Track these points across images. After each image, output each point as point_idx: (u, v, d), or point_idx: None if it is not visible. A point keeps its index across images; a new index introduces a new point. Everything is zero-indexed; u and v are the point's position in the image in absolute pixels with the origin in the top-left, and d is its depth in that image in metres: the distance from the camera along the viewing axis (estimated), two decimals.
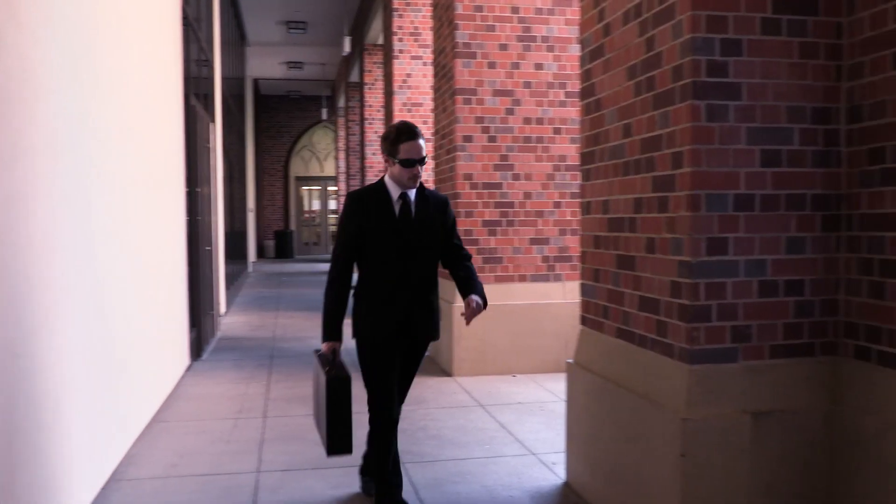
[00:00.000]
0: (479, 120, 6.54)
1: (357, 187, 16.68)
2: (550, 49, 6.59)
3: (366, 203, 3.34)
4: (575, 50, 6.46)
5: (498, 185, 6.56)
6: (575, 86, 6.46)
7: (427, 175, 10.11)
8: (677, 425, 2.86)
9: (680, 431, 2.84)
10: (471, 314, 3.38)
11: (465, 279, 3.49)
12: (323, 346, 3.33)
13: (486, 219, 6.55)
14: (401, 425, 5.05)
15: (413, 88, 10.25)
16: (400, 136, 3.27)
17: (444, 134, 7.03)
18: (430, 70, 9.62)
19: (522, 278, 6.60)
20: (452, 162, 6.65)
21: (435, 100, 7.44)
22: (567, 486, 3.93)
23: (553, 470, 4.18)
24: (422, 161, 3.27)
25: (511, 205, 6.58)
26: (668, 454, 2.92)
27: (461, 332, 6.45)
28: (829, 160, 2.98)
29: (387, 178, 3.38)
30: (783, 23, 2.92)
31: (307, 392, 6.00)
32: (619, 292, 3.50)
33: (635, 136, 3.32)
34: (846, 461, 2.88)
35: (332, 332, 3.34)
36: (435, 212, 3.42)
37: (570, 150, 6.57)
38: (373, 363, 3.38)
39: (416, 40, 10.20)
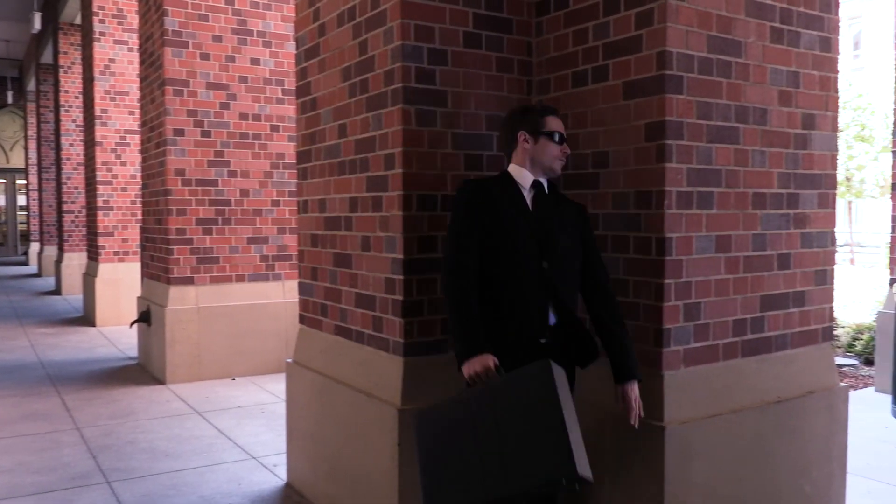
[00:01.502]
0: (192, 113, 6.23)
1: (53, 180, 15.10)
2: (267, 45, 6.49)
3: (491, 193, 2.56)
4: (292, 47, 6.41)
5: (213, 182, 6.31)
6: (292, 83, 6.40)
7: (133, 170, 9.42)
8: (393, 416, 2.98)
9: (396, 422, 2.96)
10: (632, 413, 2.54)
11: (609, 332, 2.59)
12: (472, 365, 2.32)
13: (201, 217, 6.26)
14: (105, 441, 4.69)
15: (117, 75, 9.45)
16: (546, 108, 2.67)
17: (152, 126, 6.59)
18: (136, 56, 8.95)
19: (240, 278, 6.41)
20: (162, 156, 6.25)
21: (142, 89, 6.94)
22: (289, 487, 3.90)
23: (274, 472, 4.12)
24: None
25: (227, 202, 6.36)
26: (386, 445, 3.03)
27: (174, 337, 6.12)
28: None
29: (513, 167, 2.63)
30: (483, 38, 3.16)
31: None
32: (337, 290, 3.55)
33: (350, 136, 3.39)
34: None
35: (480, 339, 2.36)
36: (574, 215, 2.66)
37: (288, 148, 6.51)
38: None
39: (120, 23, 9.42)
